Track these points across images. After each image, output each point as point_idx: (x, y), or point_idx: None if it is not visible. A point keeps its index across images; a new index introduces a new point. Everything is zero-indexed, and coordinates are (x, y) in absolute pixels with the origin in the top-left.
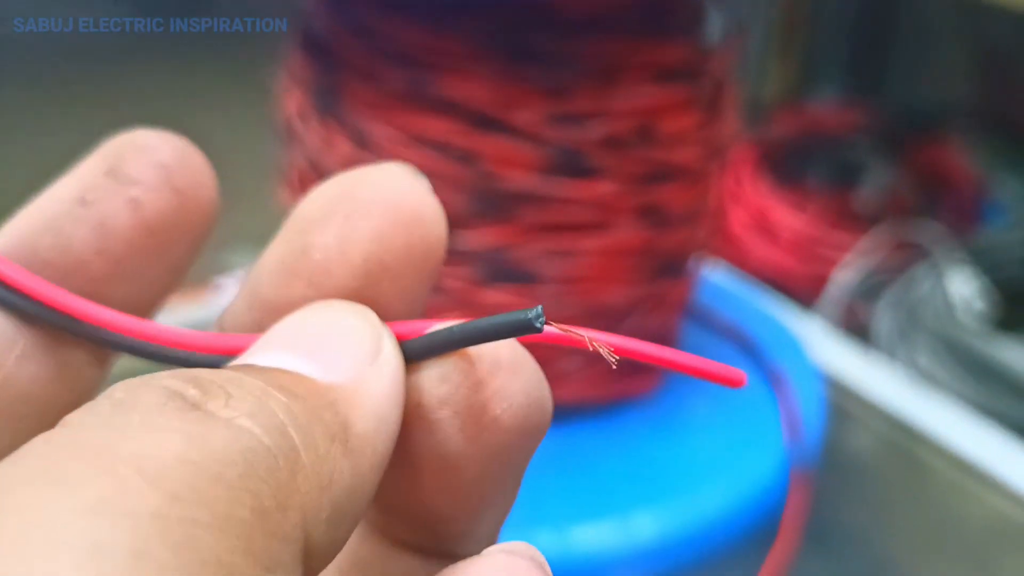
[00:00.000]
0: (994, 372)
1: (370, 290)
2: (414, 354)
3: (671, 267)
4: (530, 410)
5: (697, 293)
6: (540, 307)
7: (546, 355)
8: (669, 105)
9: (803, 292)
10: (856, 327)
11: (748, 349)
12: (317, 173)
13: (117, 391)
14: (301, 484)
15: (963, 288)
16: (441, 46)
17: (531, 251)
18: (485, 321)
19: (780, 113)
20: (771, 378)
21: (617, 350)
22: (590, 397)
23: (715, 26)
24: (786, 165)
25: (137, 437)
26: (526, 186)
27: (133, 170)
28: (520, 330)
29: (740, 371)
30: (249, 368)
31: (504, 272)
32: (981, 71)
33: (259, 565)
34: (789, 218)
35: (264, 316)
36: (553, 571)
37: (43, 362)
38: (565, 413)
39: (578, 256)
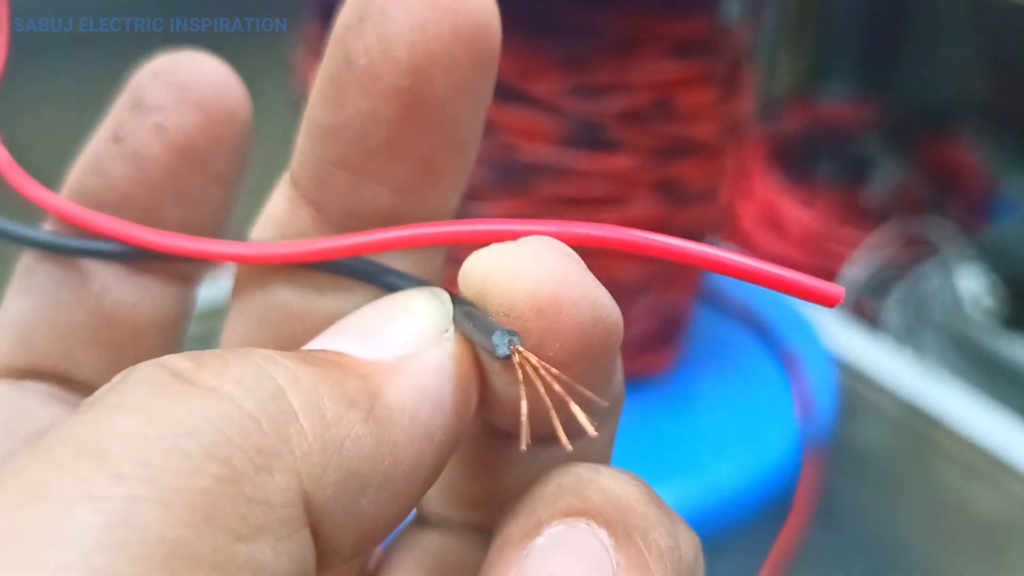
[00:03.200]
0: (1002, 368)
1: (424, 87)
2: None
3: None
4: (587, 336)
5: (710, 275)
6: (514, 337)
7: None
8: (687, 79)
9: None
10: (865, 322)
11: (761, 331)
12: None
13: (119, 374)
14: (296, 447)
15: (972, 284)
16: None
17: None
18: (475, 335)
19: (790, 108)
20: (784, 359)
21: (690, 258)
22: None
23: (733, 5)
24: (796, 160)
25: (99, 419)
26: (545, 158)
27: (153, 97)
28: (491, 352)
29: (837, 287)
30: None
31: None
32: (991, 67)
33: (225, 534)
34: (798, 213)
35: (328, 146)
36: None
37: (133, 286)
38: None
39: None
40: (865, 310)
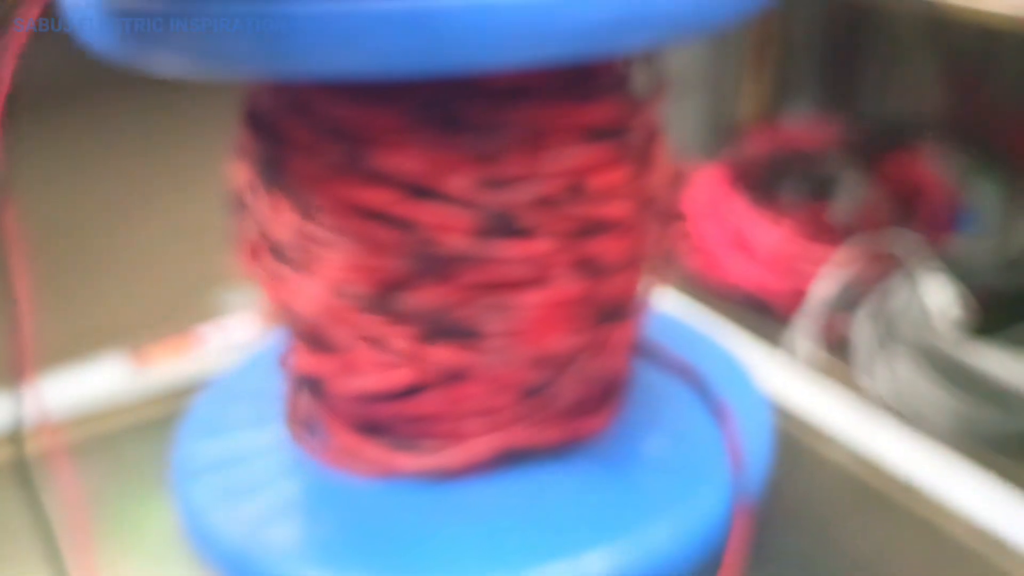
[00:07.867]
0: (972, 378)
1: None
2: None
3: (612, 313)
4: None
5: (646, 330)
6: None
7: (496, 402)
8: (598, 163)
9: (782, 307)
10: (835, 339)
11: (695, 383)
12: (267, 242)
13: None
14: None
15: (939, 296)
16: (374, 121)
17: (472, 308)
18: None
19: (754, 132)
20: (717, 411)
21: None
22: (540, 441)
23: (642, 80)
24: (761, 183)
25: None
26: (462, 249)
27: None
28: None
29: None
30: None
31: (448, 329)
32: (950, 83)
33: None
34: (765, 234)
35: None
36: None
37: None
38: (515, 458)
39: (519, 310)
40: (835, 327)
